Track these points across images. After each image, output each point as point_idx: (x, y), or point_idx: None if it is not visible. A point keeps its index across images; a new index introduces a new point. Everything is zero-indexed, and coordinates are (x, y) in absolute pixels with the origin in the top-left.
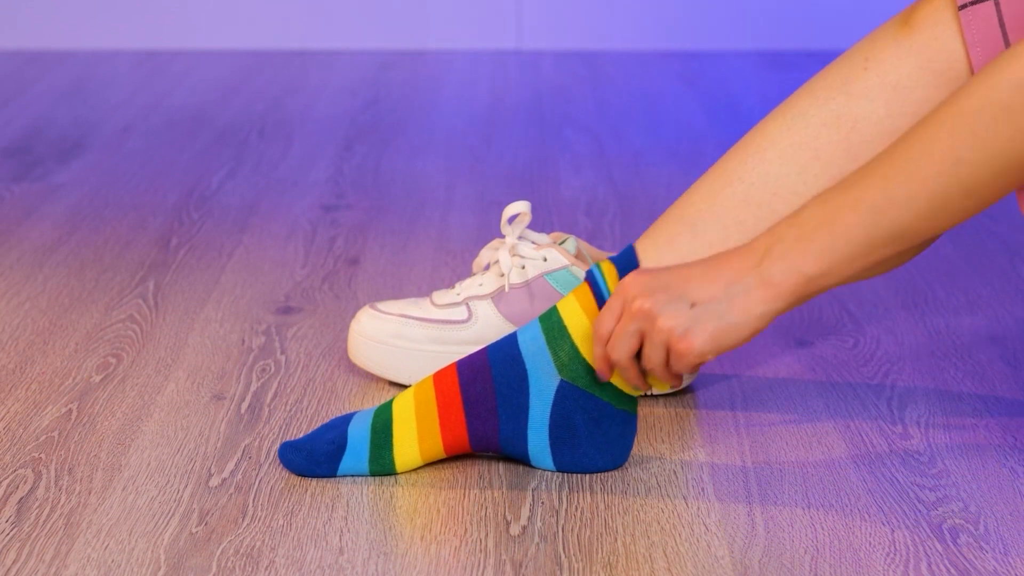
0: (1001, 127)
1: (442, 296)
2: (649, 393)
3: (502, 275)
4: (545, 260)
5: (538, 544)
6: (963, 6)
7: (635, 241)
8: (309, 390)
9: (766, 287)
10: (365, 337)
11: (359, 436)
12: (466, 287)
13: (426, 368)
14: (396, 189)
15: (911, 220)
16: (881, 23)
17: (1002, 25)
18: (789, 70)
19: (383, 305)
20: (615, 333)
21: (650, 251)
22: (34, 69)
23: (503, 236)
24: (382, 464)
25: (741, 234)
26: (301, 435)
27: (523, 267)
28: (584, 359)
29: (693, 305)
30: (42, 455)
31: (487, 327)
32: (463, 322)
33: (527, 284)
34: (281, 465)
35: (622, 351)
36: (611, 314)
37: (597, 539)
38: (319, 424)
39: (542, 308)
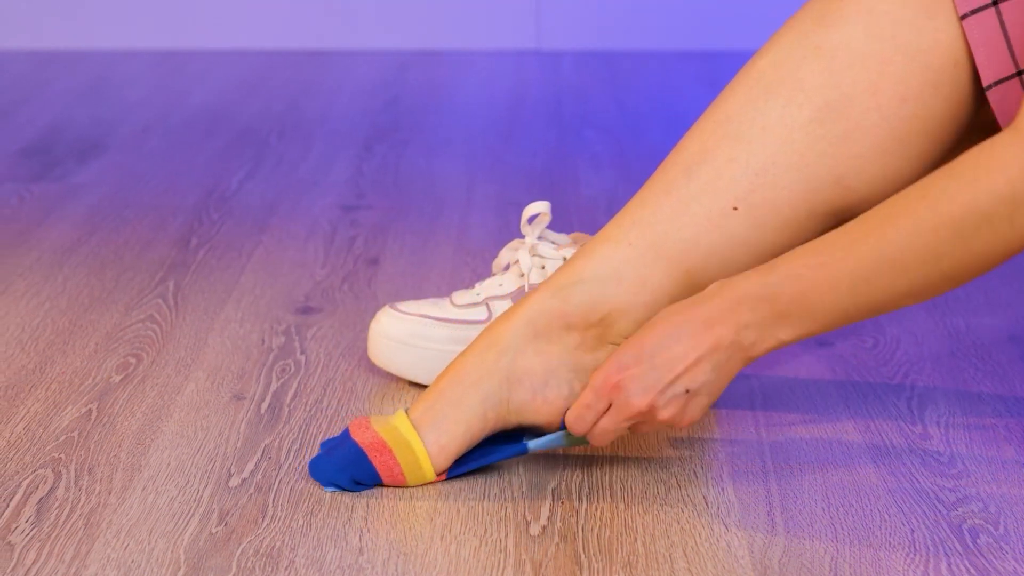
0: (984, 233)
1: (462, 296)
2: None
3: (522, 275)
4: (565, 260)
5: (558, 544)
6: None
7: (638, 191)
8: (329, 390)
9: (746, 353)
10: (385, 337)
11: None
12: (486, 287)
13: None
14: (416, 189)
15: (889, 299)
16: None
17: None
18: None
19: (403, 305)
20: (604, 428)
21: (648, 199)
22: (52, 69)
23: (523, 236)
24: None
25: (734, 170)
26: (321, 435)
27: (543, 267)
28: None
29: (687, 391)
30: (62, 455)
31: None
32: (483, 322)
33: None
34: (300, 465)
35: (612, 438)
36: (592, 412)
37: (617, 539)
38: (339, 424)
39: None
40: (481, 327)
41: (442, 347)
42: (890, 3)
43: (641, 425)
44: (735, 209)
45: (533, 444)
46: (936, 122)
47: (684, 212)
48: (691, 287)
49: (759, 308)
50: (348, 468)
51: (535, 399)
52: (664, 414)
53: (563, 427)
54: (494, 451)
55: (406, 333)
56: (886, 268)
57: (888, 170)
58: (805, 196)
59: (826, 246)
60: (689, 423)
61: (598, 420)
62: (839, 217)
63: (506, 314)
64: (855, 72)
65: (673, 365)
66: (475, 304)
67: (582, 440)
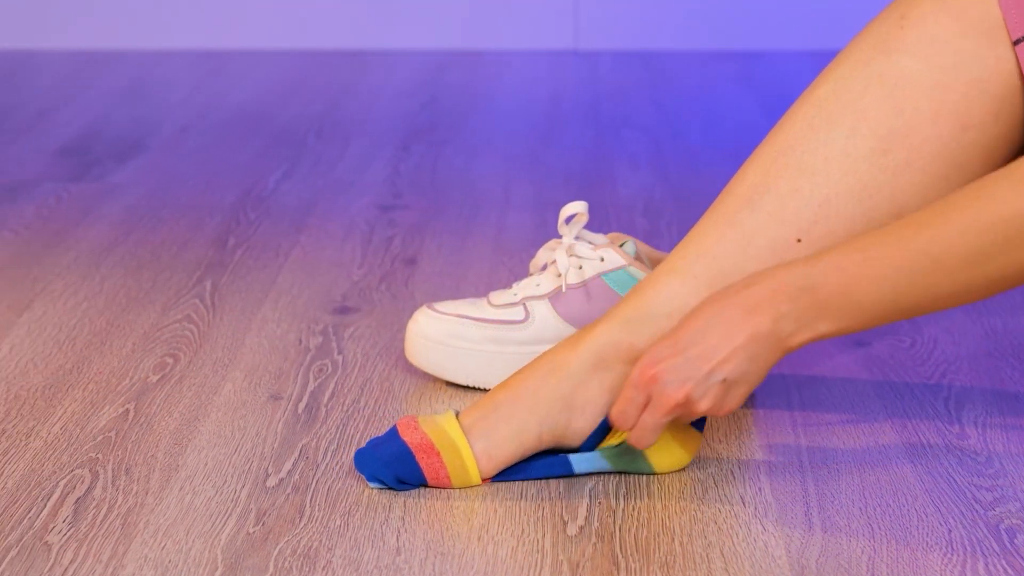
0: None
1: (499, 296)
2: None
3: (559, 275)
4: (602, 260)
5: (595, 544)
6: None
7: (698, 220)
8: (366, 390)
9: (783, 343)
10: (422, 337)
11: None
12: (523, 287)
13: (483, 368)
14: (453, 189)
15: (931, 299)
16: None
17: None
18: None
19: (440, 305)
20: (645, 423)
21: (711, 229)
22: (92, 69)
23: (560, 236)
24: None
25: (797, 202)
26: (358, 435)
27: (580, 267)
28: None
29: (724, 381)
30: (99, 455)
31: (544, 327)
32: (520, 322)
33: (584, 284)
34: (337, 464)
35: (655, 436)
36: (634, 407)
37: (654, 539)
38: (376, 424)
39: (600, 309)
40: (519, 327)
41: (479, 347)
42: (951, 32)
43: (681, 421)
44: (799, 241)
45: (577, 463)
46: (994, 148)
47: (748, 244)
48: None
49: (799, 298)
50: (393, 465)
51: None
52: (702, 405)
53: (594, 443)
54: (539, 467)
55: (443, 333)
56: (930, 267)
57: None
58: (866, 226)
59: (874, 240)
60: (728, 412)
61: (640, 415)
62: None
63: (571, 341)
64: (917, 101)
65: (709, 355)
66: (512, 304)
67: (625, 465)
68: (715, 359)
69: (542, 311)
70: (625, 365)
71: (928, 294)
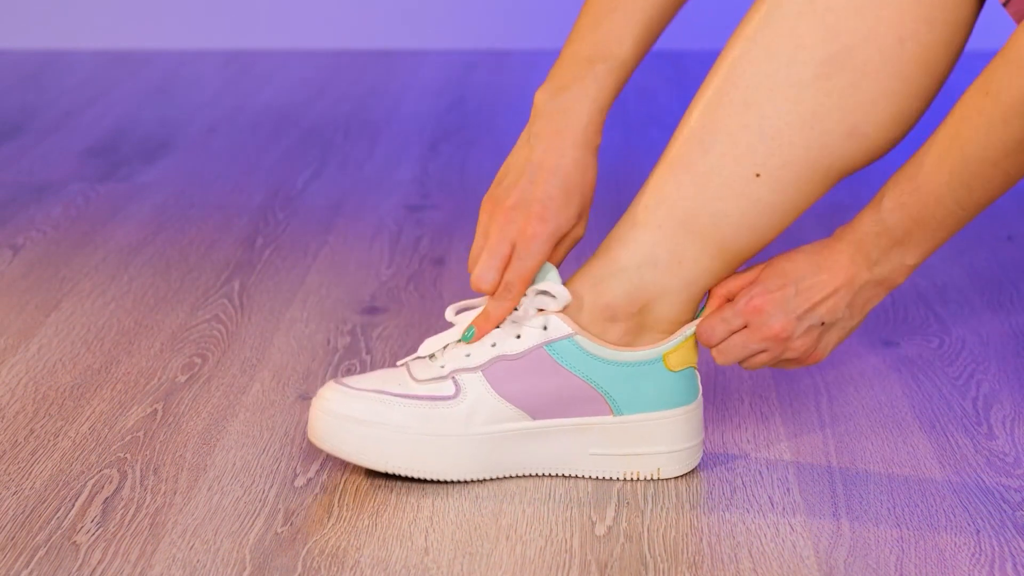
0: None
1: (422, 369)
2: None
3: (493, 344)
4: (545, 329)
5: (623, 544)
6: None
7: (652, 170)
8: None
9: (880, 286)
10: (333, 416)
11: None
12: (450, 358)
13: (408, 452)
14: (481, 189)
15: (994, 191)
16: None
17: None
18: None
19: (353, 380)
20: (735, 344)
21: (667, 176)
22: (120, 69)
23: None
24: None
25: (749, 137)
26: None
27: (519, 336)
28: None
29: (823, 324)
30: (127, 455)
31: (479, 405)
32: (450, 398)
33: (524, 357)
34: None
35: (737, 359)
36: (725, 327)
37: (682, 539)
38: None
39: (545, 381)
40: (448, 404)
41: (404, 427)
42: None
43: (763, 355)
44: (758, 176)
45: None
46: (933, 57)
47: (707, 184)
48: (726, 257)
49: (880, 243)
50: None
51: None
52: (798, 343)
53: None
54: None
55: (361, 411)
56: (977, 169)
57: (896, 111)
58: (822, 153)
59: (916, 168)
60: (816, 360)
61: (728, 335)
62: (856, 169)
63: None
64: (853, 22)
65: (814, 292)
66: (440, 379)
67: None
68: (818, 297)
69: (476, 387)
70: (602, 324)
71: (989, 189)
